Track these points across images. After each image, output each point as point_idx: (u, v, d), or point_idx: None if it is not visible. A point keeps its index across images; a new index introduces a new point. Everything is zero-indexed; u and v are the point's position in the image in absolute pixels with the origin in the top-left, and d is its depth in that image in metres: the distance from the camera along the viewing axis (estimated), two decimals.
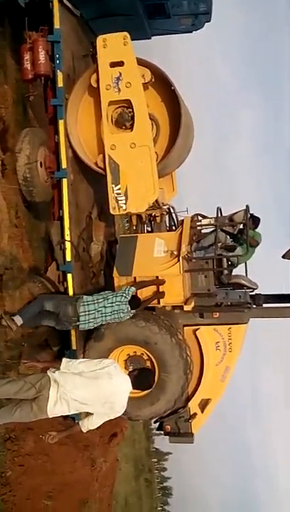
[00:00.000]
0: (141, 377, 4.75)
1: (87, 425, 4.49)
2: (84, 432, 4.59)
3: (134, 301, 5.87)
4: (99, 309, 5.66)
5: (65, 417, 4.88)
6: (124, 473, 28.51)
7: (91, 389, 4.30)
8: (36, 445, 5.58)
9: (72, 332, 6.28)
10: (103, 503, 8.11)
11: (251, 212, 6.99)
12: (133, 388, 4.59)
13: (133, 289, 5.90)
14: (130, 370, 4.92)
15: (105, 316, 5.70)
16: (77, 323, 5.64)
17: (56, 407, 4.22)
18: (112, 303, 5.70)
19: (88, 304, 5.64)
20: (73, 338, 6.31)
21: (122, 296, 5.74)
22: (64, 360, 4.44)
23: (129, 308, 5.76)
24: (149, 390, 6.46)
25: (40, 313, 5.67)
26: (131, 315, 5.90)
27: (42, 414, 4.25)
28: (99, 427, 7.08)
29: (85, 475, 6.70)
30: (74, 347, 6.33)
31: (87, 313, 5.61)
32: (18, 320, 5.36)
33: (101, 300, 5.71)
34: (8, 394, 4.30)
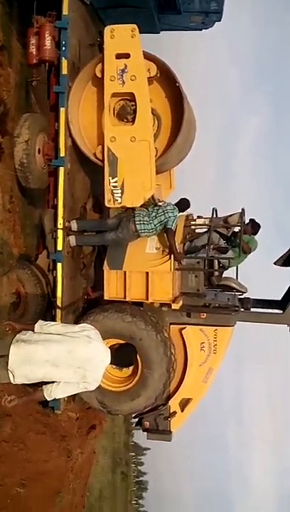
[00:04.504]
0: (122, 353, 4.37)
1: (51, 391, 3.99)
2: (48, 399, 4.08)
3: (185, 201, 6.76)
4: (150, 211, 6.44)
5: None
6: (101, 465, 28.63)
7: (65, 348, 3.90)
8: (13, 432, 5.55)
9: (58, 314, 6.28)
10: (76, 494, 8.12)
11: (251, 218, 7.04)
12: (112, 363, 4.24)
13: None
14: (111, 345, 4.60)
15: (156, 211, 6.39)
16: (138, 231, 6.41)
17: (20, 369, 3.84)
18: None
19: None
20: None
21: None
22: (39, 321, 4.11)
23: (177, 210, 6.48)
24: (131, 385, 6.50)
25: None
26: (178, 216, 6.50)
27: (4, 378, 3.88)
28: (77, 419, 7.14)
29: (60, 465, 6.69)
30: None
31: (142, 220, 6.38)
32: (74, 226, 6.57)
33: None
34: None
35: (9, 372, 3.86)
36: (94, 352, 4.00)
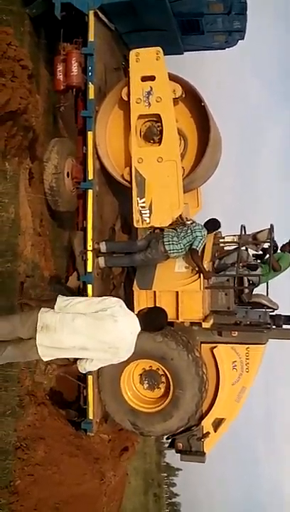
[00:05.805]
0: (152, 316, 4.22)
1: (85, 366, 4.06)
2: (82, 372, 4.18)
3: (214, 221, 6.78)
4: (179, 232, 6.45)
5: None
6: (133, 486, 28.27)
7: (92, 333, 3.83)
8: (47, 455, 5.55)
9: None
10: None
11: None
12: (142, 329, 4.07)
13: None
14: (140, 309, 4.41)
15: (185, 232, 6.41)
16: (167, 251, 6.41)
17: (48, 352, 3.87)
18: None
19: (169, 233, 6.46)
20: None
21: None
22: (59, 298, 4.00)
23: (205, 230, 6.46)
24: (163, 405, 6.43)
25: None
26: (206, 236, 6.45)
27: (34, 355, 3.90)
28: (109, 440, 7.10)
29: (94, 488, 6.63)
30: None
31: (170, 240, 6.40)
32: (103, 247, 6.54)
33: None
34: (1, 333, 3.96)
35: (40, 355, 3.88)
36: (122, 329, 3.91)
